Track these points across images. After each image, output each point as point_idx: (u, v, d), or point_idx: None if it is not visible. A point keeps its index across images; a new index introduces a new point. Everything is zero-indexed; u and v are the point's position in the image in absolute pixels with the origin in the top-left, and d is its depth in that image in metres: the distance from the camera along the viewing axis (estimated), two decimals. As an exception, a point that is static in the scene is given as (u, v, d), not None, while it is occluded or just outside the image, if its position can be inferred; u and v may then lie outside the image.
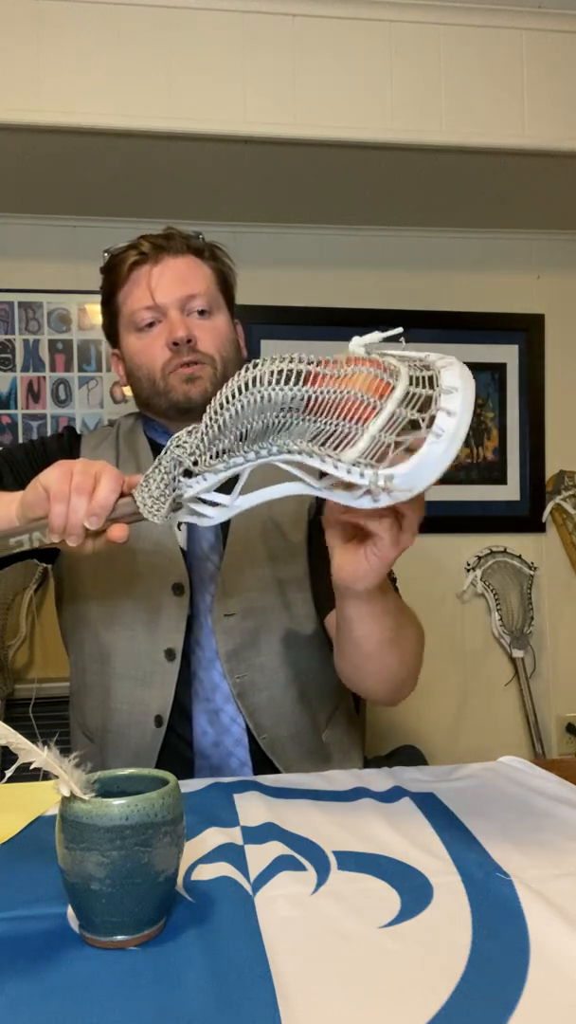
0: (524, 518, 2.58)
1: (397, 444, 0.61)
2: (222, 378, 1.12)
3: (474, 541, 2.54)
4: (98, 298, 1.20)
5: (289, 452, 0.67)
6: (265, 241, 2.46)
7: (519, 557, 2.54)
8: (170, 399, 1.11)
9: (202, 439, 0.73)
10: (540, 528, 2.58)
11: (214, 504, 0.77)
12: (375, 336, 0.67)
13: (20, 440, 2.35)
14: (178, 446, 0.75)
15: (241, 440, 0.70)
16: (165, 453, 0.76)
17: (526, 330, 2.57)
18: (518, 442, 2.58)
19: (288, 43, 1.89)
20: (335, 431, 0.64)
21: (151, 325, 1.12)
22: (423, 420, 0.61)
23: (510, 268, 2.58)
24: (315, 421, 0.65)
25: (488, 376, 2.57)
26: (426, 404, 0.62)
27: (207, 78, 1.87)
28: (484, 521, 2.54)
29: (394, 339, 0.67)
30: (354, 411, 0.63)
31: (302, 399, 0.66)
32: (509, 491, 2.58)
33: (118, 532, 0.80)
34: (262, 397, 0.67)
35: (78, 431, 1.24)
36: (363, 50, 1.92)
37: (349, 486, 0.66)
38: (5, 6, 1.80)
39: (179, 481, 0.75)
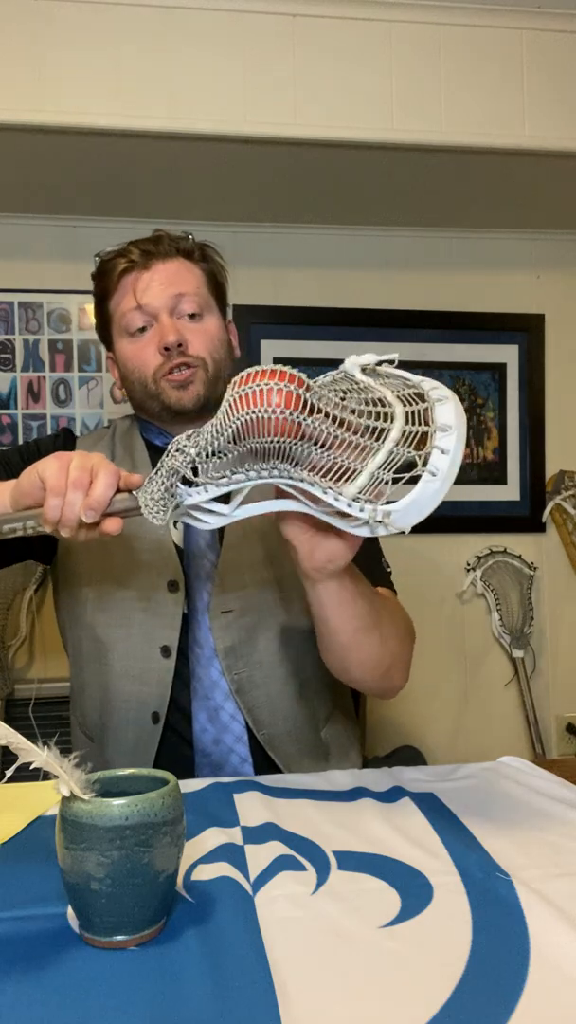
0: (524, 518, 2.58)
1: (395, 480, 0.66)
2: (214, 380, 1.12)
3: (474, 541, 2.54)
4: (98, 298, 1.20)
5: (291, 478, 0.70)
6: (265, 241, 2.46)
7: (519, 557, 2.54)
8: (162, 403, 1.12)
9: (205, 446, 0.74)
10: (540, 528, 2.58)
11: (212, 512, 0.78)
12: (371, 358, 0.73)
13: (20, 440, 2.35)
14: (178, 450, 0.76)
15: (241, 457, 0.72)
16: (166, 457, 0.77)
17: (526, 330, 2.57)
18: (518, 442, 2.58)
19: (288, 43, 1.89)
20: (335, 465, 0.68)
21: (143, 330, 1.12)
22: (419, 457, 0.66)
23: (510, 268, 2.58)
24: (316, 451, 0.69)
25: (488, 376, 2.57)
26: (422, 440, 0.66)
27: (207, 78, 1.87)
28: (484, 521, 2.54)
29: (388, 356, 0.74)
30: (353, 450, 0.68)
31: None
32: (509, 491, 2.58)
33: (112, 525, 0.81)
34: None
35: (78, 431, 1.24)
36: (363, 50, 1.92)
37: (346, 515, 0.69)
38: (5, 6, 1.80)
39: (178, 488, 0.77)
